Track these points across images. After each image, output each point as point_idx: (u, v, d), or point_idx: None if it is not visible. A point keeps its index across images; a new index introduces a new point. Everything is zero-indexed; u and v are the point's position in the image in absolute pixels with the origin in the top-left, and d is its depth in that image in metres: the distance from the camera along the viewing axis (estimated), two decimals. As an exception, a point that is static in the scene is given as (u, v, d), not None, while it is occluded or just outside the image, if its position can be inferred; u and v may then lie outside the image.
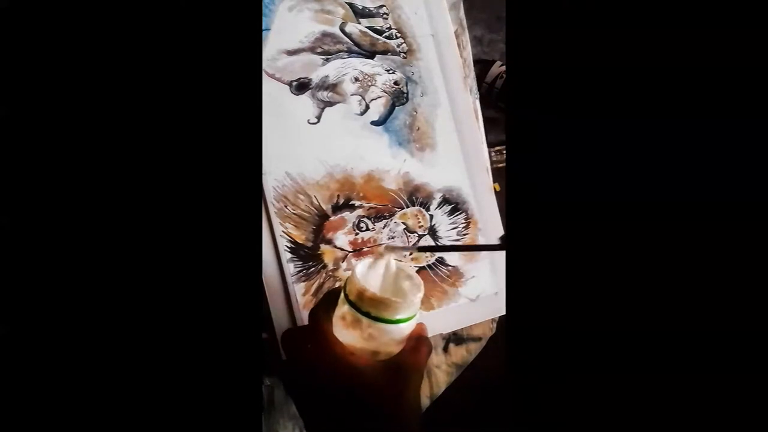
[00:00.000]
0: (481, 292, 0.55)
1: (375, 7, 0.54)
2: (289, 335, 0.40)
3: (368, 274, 0.41)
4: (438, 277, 0.54)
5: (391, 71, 0.54)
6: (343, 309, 0.39)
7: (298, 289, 0.50)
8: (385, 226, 0.53)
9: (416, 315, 0.40)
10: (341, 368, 0.36)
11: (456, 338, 0.57)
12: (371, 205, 0.53)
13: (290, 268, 0.50)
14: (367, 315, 0.38)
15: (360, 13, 0.54)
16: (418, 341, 0.40)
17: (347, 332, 0.39)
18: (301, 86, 0.52)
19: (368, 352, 0.39)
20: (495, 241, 0.56)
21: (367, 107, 0.53)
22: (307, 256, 0.51)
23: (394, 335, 0.39)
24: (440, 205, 0.54)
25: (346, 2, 0.54)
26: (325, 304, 0.41)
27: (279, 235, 0.50)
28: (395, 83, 0.54)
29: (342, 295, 0.40)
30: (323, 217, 0.51)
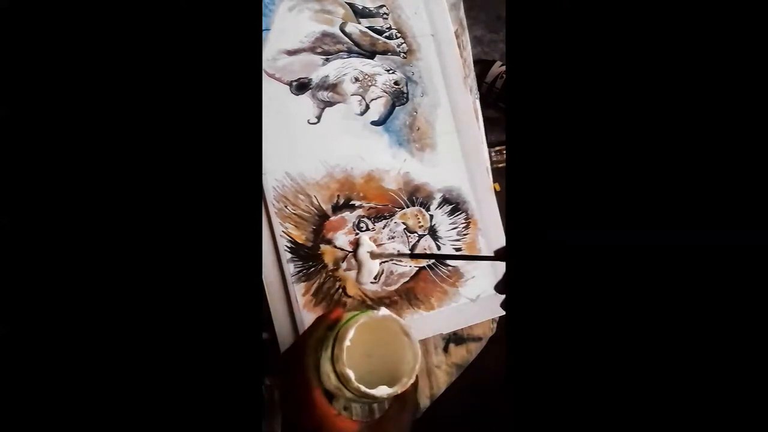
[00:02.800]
0: (481, 292, 0.55)
1: (375, 7, 0.54)
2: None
3: (362, 333, 0.39)
4: (438, 277, 0.54)
5: (391, 71, 0.54)
6: (327, 370, 0.39)
7: (298, 289, 0.50)
8: (385, 226, 0.53)
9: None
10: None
11: (456, 338, 0.57)
12: (371, 205, 0.53)
13: (290, 268, 0.50)
14: (354, 395, 0.38)
15: (360, 13, 0.54)
16: (402, 403, 0.39)
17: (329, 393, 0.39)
18: (301, 86, 0.52)
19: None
20: (495, 242, 0.56)
21: (367, 107, 0.53)
22: (307, 256, 0.51)
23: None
24: (440, 205, 0.54)
25: (346, 2, 0.54)
26: (311, 350, 0.40)
27: (279, 235, 0.50)
28: (395, 83, 0.54)
29: (330, 350, 0.39)
30: (323, 217, 0.51)
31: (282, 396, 0.41)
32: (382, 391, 0.38)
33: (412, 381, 0.39)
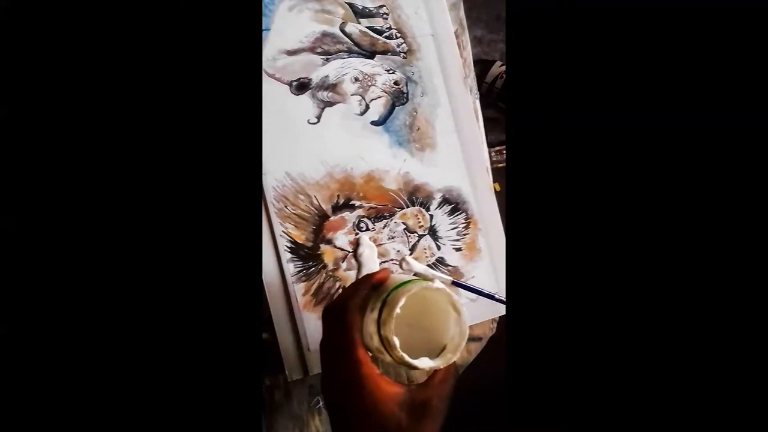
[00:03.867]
0: (481, 292, 0.55)
1: (375, 7, 0.54)
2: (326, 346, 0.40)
3: (410, 301, 0.38)
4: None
5: (391, 71, 0.54)
6: (371, 331, 0.39)
7: (298, 289, 0.50)
8: (385, 226, 0.53)
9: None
10: (366, 393, 0.36)
11: (456, 338, 0.57)
12: (371, 205, 0.53)
13: (290, 268, 0.50)
14: (394, 361, 0.38)
15: (360, 13, 0.54)
16: (446, 374, 0.39)
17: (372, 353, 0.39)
18: (301, 86, 0.52)
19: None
20: (495, 242, 0.56)
21: (367, 107, 0.53)
22: (307, 256, 0.51)
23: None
24: (440, 205, 0.54)
25: (346, 2, 0.54)
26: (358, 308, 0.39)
27: (279, 235, 0.50)
28: (395, 83, 0.54)
29: (376, 312, 0.39)
30: (323, 217, 0.51)
31: (323, 355, 0.40)
32: (425, 363, 0.38)
33: (456, 357, 0.38)
